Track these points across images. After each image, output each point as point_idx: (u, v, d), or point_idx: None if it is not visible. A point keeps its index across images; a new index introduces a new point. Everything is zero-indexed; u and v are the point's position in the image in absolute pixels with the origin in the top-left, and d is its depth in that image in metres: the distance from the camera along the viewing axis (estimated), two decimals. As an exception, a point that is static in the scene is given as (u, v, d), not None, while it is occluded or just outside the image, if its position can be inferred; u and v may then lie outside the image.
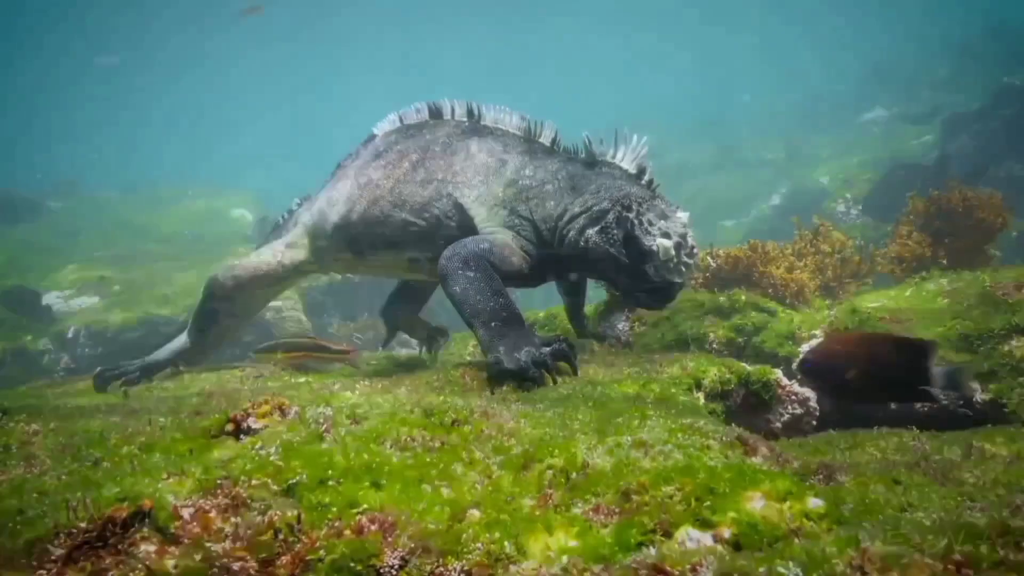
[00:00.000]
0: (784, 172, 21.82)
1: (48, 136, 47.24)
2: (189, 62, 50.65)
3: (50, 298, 12.31)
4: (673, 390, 3.33)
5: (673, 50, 50.62)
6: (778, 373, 4.08)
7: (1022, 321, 3.78)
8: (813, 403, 4.02)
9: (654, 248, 3.49)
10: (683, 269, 3.54)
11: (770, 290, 5.97)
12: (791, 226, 7.26)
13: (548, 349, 3.40)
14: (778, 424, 3.98)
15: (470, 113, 4.40)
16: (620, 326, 5.34)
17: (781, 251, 6.45)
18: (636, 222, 3.57)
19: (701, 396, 3.50)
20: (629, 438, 2.11)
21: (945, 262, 5.96)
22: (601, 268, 3.80)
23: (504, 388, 3.38)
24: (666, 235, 3.51)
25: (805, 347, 4.40)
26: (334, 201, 4.56)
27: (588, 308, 5.28)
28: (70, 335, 10.92)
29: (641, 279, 3.58)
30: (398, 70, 54.37)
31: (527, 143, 4.22)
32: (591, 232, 3.73)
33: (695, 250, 3.60)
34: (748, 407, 3.78)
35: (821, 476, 2.28)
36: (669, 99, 37.37)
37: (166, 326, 10.93)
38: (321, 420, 2.27)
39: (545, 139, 4.20)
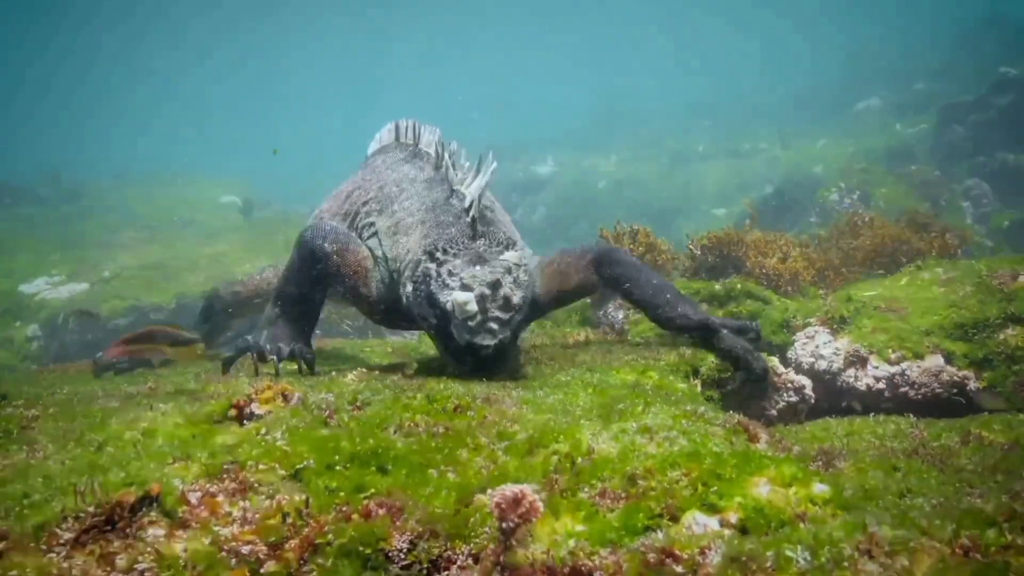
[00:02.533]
0: (778, 161, 21.81)
1: (40, 123, 46.78)
2: (173, 49, 50.29)
3: (39, 284, 12.24)
4: (671, 377, 3.34)
5: (666, 39, 50.46)
6: (774, 361, 4.10)
7: (1017, 310, 3.80)
8: (808, 391, 4.06)
9: (448, 306, 2.98)
10: (494, 326, 2.94)
11: (764, 280, 5.98)
12: (784, 216, 7.25)
13: (292, 346, 3.31)
14: (773, 411, 4.02)
15: (401, 136, 4.48)
16: (615, 313, 5.35)
17: (763, 238, 6.48)
18: (435, 274, 3.09)
19: (698, 383, 3.51)
20: (634, 424, 2.12)
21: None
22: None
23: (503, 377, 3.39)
24: (466, 287, 2.97)
25: (800, 335, 4.41)
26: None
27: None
28: (60, 321, 10.86)
29: (454, 342, 3.03)
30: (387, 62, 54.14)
31: (436, 169, 3.81)
32: (408, 287, 3.29)
33: (514, 299, 2.98)
34: (744, 394, 3.80)
35: (820, 462, 2.30)
36: (662, 88, 37.29)
37: (155, 312, 10.90)
38: (324, 406, 2.27)
39: (449, 163, 3.75)
